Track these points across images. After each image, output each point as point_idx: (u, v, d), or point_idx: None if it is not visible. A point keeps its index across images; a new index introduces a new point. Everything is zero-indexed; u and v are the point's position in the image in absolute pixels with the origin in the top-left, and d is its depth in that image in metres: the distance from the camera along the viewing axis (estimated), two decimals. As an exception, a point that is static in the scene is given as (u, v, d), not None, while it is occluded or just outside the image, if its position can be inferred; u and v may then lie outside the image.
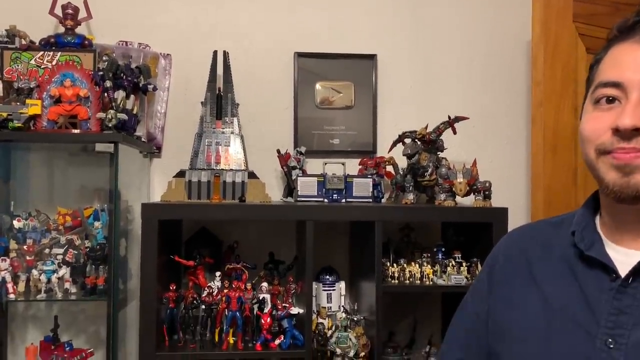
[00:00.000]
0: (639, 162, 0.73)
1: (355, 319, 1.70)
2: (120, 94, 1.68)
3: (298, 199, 1.78)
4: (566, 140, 1.66)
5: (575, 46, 1.70)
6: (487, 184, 1.70)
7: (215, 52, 1.88)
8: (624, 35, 0.79)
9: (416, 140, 1.79)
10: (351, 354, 1.62)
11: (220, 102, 1.86)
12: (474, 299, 0.97)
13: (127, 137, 1.65)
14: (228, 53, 1.89)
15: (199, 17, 1.99)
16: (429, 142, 1.76)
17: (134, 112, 1.74)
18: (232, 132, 1.85)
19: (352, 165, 1.92)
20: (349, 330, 1.66)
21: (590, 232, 0.82)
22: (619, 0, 1.77)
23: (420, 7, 2.06)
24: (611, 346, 0.74)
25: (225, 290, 1.64)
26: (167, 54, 1.96)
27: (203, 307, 1.66)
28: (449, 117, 1.78)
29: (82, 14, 1.80)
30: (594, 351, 0.75)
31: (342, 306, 1.81)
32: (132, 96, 1.74)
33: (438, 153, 1.79)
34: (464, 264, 1.68)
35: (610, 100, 0.76)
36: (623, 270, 0.76)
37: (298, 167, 1.86)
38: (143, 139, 1.85)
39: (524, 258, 0.90)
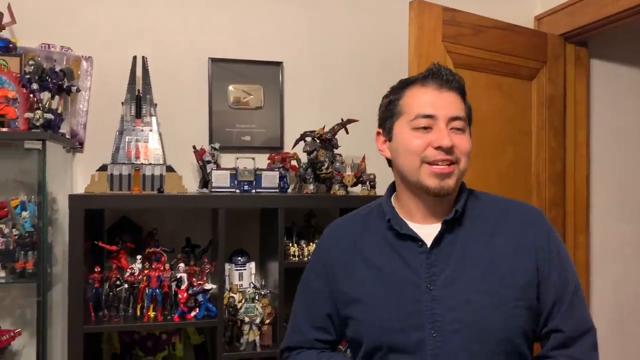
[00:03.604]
0: (449, 171, 1.10)
1: (262, 292, 1.98)
2: (45, 95, 1.83)
3: (212, 190, 2.02)
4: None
5: (444, 61, 2.03)
6: (372, 176, 2.04)
7: (134, 57, 2.07)
8: (423, 82, 1.15)
9: (315, 138, 2.08)
10: (257, 321, 1.89)
11: (139, 103, 2.05)
12: (318, 283, 1.23)
13: (53, 134, 1.82)
14: (146, 58, 2.08)
15: (119, 22, 2.15)
16: (325, 141, 2.06)
17: (59, 111, 1.90)
18: (150, 130, 2.05)
19: (262, 160, 2.17)
20: (256, 301, 1.93)
21: (398, 218, 1.17)
22: (479, 24, 2.14)
23: (320, 20, 2.34)
24: (431, 288, 1.10)
25: (146, 271, 1.86)
26: (89, 57, 2.12)
27: (126, 286, 1.86)
28: (342, 119, 2.09)
29: (7, 18, 1.93)
30: (421, 294, 1.10)
31: (252, 283, 2.08)
32: (56, 97, 1.90)
33: (333, 150, 2.09)
34: (353, 243, 2.00)
35: (425, 127, 1.11)
36: (427, 238, 1.13)
37: (212, 161, 2.08)
38: (67, 136, 2.01)
39: (350, 243, 1.21)
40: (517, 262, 1.12)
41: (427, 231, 1.14)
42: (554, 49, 2.38)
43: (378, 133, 1.23)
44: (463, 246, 1.13)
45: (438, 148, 1.09)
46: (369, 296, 1.14)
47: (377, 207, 1.23)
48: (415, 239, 1.13)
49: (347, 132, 2.10)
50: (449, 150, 1.09)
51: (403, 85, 1.19)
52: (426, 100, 1.13)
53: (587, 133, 2.54)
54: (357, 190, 2.12)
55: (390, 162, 1.22)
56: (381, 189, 2.08)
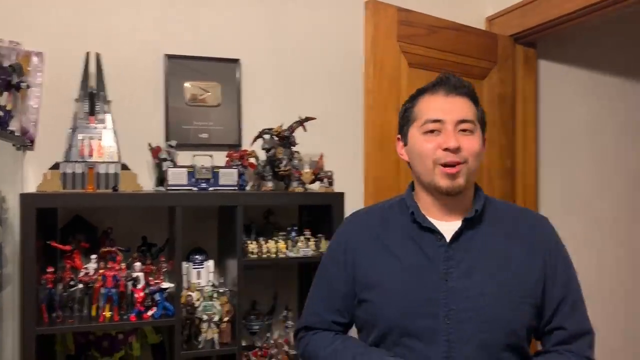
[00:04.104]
0: (456, 171, 1.20)
1: (220, 290, 1.98)
2: (-7, 92, 1.78)
3: (168, 188, 2.00)
4: (391, 138, 2.03)
5: (399, 61, 2.09)
6: (329, 173, 2.07)
7: (87, 53, 2.03)
8: (432, 90, 1.27)
9: (273, 136, 2.09)
10: (216, 319, 1.90)
11: (93, 100, 2.01)
12: (337, 269, 1.33)
13: (1, 132, 1.76)
14: (100, 54, 2.04)
15: (71, 16, 2.09)
16: (283, 138, 2.07)
17: (8, 108, 1.85)
18: (104, 127, 2.02)
19: (220, 158, 2.15)
20: (214, 299, 1.93)
21: (420, 212, 1.27)
22: (433, 25, 2.20)
23: (278, 17, 2.35)
24: (447, 279, 1.20)
25: (101, 271, 1.83)
26: (39, 52, 2.06)
27: (80, 286, 1.83)
28: (300, 117, 2.11)
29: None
30: (438, 284, 1.20)
31: (210, 281, 2.07)
32: (5, 93, 1.84)
33: (291, 147, 2.11)
34: (311, 239, 2.03)
35: (435, 130, 1.21)
36: (446, 233, 1.24)
37: (169, 159, 2.06)
38: (16, 133, 1.95)
39: (371, 233, 1.31)
40: (529, 262, 1.24)
41: (446, 227, 1.25)
42: (504, 50, 2.47)
43: (398, 139, 1.34)
44: (481, 243, 1.24)
45: (446, 149, 1.20)
46: (388, 282, 1.24)
47: (399, 202, 1.34)
48: (435, 232, 1.24)
49: (305, 130, 2.12)
50: (457, 151, 1.19)
51: (417, 94, 1.30)
52: (434, 106, 1.24)
53: (535, 130, 2.64)
54: (316, 187, 2.15)
55: (409, 164, 1.32)
56: (339, 186, 2.13)
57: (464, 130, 1.22)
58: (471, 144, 1.22)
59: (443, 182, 1.21)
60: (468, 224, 1.24)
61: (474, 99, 1.27)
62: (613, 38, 2.87)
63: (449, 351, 1.15)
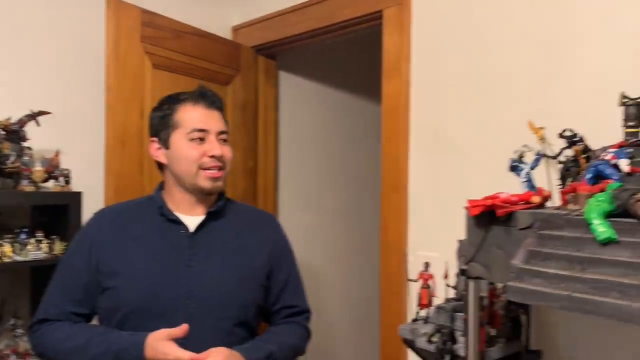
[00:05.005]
0: (220, 175, 1.42)
1: None
2: None
3: None
4: (134, 137, 2.07)
5: (142, 61, 2.12)
6: (66, 171, 1.99)
7: None
8: (194, 101, 1.44)
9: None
10: None
11: None
12: (81, 261, 1.39)
13: None
14: None
15: None
16: (11, 132, 1.92)
17: None
18: None
19: None
20: None
21: (167, 207, 1.44)
22: (178, 29, 2.28)
23: (14, 8, 2.13)
24: (190, 265, 1.38)
25: None
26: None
27: None
28: (32, 111, 1.97)
29: None
30: (181, 268, 1.37)
31: None
32: None
33: (21, 143, 1.96)
34: (44, 241, 1.93)
35: (200, 139, 1.40)
36: (190, 226, 1.42)
37: None
38: None
39: (118, 227, 1.42)
40: (259, 251, 1.47)
41: (191, 220, 1.43)
42: (246, 59, 2.68)
43: (152, 141, 1.46)
44: (219, 234, 1.44)
45: (212, 156, 1.39)
46: (133, 268, 1.35)
47: (147, 200, 1.49)
48: (181, 224, 1.41)
49: (38, 125, 1.99)
50: (220, 158, 1.41)
51: (174, 102, 1.45)
52: (199, 117, 1.42)
53: (275, 134, 2.93)
54: (50, 186, 2.04)
55: (160, 165, 1.47)
56: (78, 185, 2.05)
57: (223, 140, 1.44)
58: (228, 152, 1.45)
59: (207, 184, 1.40)
60: (211, 218, 1.44)
61: (223, 113, 1.49)
62: (341, 57, 3.34)
63: (189, 328, 1.27)
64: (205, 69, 2.42)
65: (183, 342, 1.25)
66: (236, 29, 2.79)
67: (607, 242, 0.92)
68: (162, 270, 1.36)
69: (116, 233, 1.41)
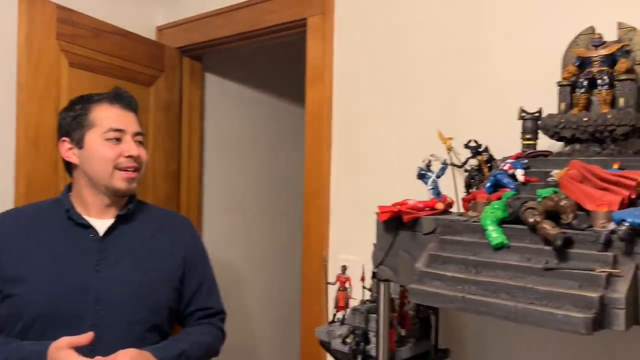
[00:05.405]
0: (135, 176, 1.42)
1: None
2: None
3: None
4: (48, 137, 1.98)
5: (58, 59, 2.04)
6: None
7: None
8: (110, 102, 1.41)
9: None
10: None
11: None
12: None
13: None
14: None
15: None
16: None
17: None
18: None
19: None
20: None
21: (75, 211, 1.41)
22: (97, 27, 2.20)
23: None
24: (98, 269, 1.35)
25: None
26: None
27: None
28: None
29: None
30: (89, 273, 1.33)
31: None
32: None
33: None
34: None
35: (117, 139, 1.39)
36: (99, 229, 1.40)
37: None
38: None
39: (21, 231, 1.35)
40: (171, 254, 1.45)
41: (100, 224, 1.40)
42: (170, 60, 2.64)
43: (63, 141, 1.42)
44: (130, 237, 1.42)
45: (129, 157, 1.38)
46: (37, 274, 1.30)
47: (54, 202, 1.45)
48: (89, 227, 1.38)
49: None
50: (136, 159, 1.40)
51: (88, 101, 1.42)
52: (115, 117, 1.40)
53: (200, 137, 2.90)
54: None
55: (69, 165, 1.44)
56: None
57: (139, 142, 1.43)
58: (144, 153, 1.45)
59: (122, 185, 1.38)
60: (121, 221, 1.41)
61: (138, 115, 1.48)
62: (269, 61, 3.36)
63: (97, 334, 1.23)
64: (126, 69, 2.36)
65: (92, 350, 1.21)
66: (161, 29, 2.74)
67: (499, 247, 1.00)
68: (69, 276, 1.31)
69: (19, 236, 1.36)
